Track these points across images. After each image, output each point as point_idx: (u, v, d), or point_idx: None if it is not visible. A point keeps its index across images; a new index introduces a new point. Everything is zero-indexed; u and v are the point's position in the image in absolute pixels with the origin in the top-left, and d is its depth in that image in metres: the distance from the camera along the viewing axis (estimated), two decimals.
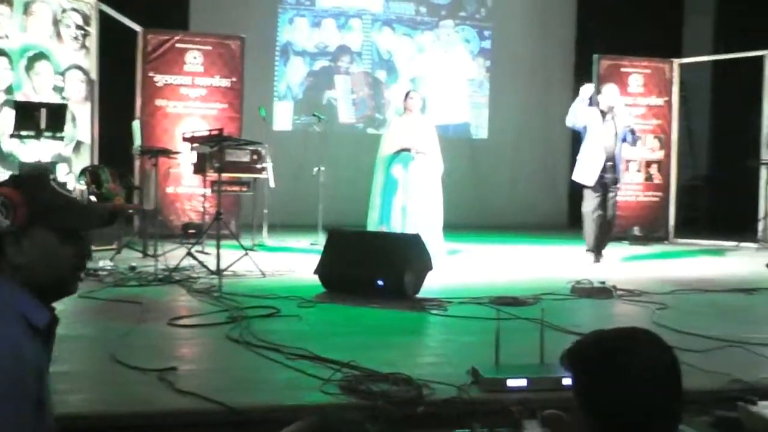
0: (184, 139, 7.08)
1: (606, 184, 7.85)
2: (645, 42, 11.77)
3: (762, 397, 2.94)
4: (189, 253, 6.42)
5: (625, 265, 8.02)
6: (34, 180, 1.70)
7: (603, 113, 7.84)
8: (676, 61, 11.51)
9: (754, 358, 3.78)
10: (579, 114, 7.77)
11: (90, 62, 8.56)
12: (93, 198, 7.17)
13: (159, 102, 9.73)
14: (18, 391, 1.47)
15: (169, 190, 9.62)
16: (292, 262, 7.17)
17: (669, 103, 11.36)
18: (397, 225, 7.77)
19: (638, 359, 1.59)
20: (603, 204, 7.87)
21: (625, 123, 7.91)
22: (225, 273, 6.12)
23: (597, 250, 7.91)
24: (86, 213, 1.72)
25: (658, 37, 12.72)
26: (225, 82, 9.97)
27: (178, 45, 9.84)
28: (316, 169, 9.29)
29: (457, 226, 9.45)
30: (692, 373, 3.36)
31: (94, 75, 8.60)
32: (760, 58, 10.67)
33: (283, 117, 12.97)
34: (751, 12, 12.25)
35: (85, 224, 1.72)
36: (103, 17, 8.82)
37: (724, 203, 12.42)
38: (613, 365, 1.58)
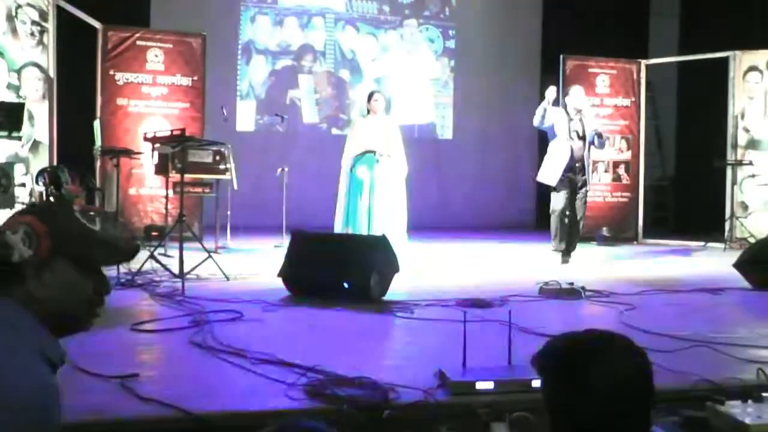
0: (146, 139, 6.98)
1: (575, 185, 7.87)
2: (611, 43, 11.89)
3: (729, 396, 2.94)
4: (151, 256, 6.32)
5: (594, 266, 8.04)
6: (58, 210, 1.65)
7: (569, 115, 7.87)
8: (643, 62, 11.61)
9: (721, 357, 3.80)
10: (546, 115, 7.78)
11: (47, 59, 8.39)
12: (52, 199, 7.02)
13: (120, 101, 9.57)
14: (48, 427, 1.45)
15: (132, 191, 9.49)
16: (256, 265, 7.12)
17: (636, 103, 11.47)
18: (362, 227, 7.75)
19: (611, 363, 1.58)
20: (572, 204, 7.89)
21: (592, 126, 7.96)
22: (188, 276, 6.03)
23: (565, 250, 7.92)
24: (111, 246, 1.67)
25: (624, 38, 12.86)
26: (186, 81, 9.86)
27: (138, 42, 9.70)
28: (279, 169, 9.21)
29: (422, 227, 9.46)
30: (660, 374, 3.33)
31: (52, 72, 8.43)
32: (725, 59, 10.80)
33: (245, 117, 12.85)
34: (715, 14, 12.43)
35: (111, 258, 1.69)
36: (61, 13, 8.66)
37: (692, 203, 12.58)
38: (586, 369, 1.57)
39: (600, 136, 7.94)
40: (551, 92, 7.70)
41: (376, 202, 7.81)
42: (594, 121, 8.22)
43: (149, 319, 4.62)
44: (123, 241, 1.70)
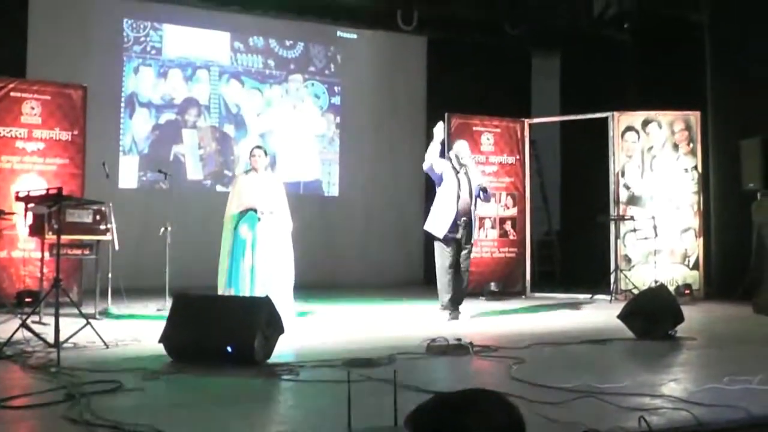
0: (18, 199, 6.68)
1: (460, 241, 7.99)
2: (495, 101, 12.27)
3: None
4: (23, 325, 5.96)
5: (482, 321, 8.16)
6: None
7: (455, 169, 8.03)
8: (527, 121, 12.04)
9: (607, 407, 3.91)
10: (435, 161, 7.90)
11: None
12: None
13: None
14: None
15: (2, 254, 8.96)
16: (137, 331, 6.87)
17: (521, 161, 11.87)
18: (245, 287, 7.64)
19: (478, 422, 1.58)
20: (457, 260, 7.99)
21: (477, 181, 8.13)
22: (64, 345, 5.71)
23: (453, 306, 8.00)
24: None
25: (508, 97, 13.28)
26: (66, 135, 9.44)
27: (13, 93, 9.23)
28: (162, 228, 8.95)
29: (309, 286, 9.39)
30: (548, 426, 3.47)
31: None
32: (604, 119, 11.34)
33: (128, 173, 12.49)
34: (593, 75, 13.07)
35: None
36: None
37: (578, 257, 12.99)
38: (453, 428, 1.57)
39: (485, 190, 8.14)
40: (439, 130, 7.85)
41: (258, 261, 7.74)
42: (479, 176, 8.41)
43: (19, 394, 4.35)
44: None
